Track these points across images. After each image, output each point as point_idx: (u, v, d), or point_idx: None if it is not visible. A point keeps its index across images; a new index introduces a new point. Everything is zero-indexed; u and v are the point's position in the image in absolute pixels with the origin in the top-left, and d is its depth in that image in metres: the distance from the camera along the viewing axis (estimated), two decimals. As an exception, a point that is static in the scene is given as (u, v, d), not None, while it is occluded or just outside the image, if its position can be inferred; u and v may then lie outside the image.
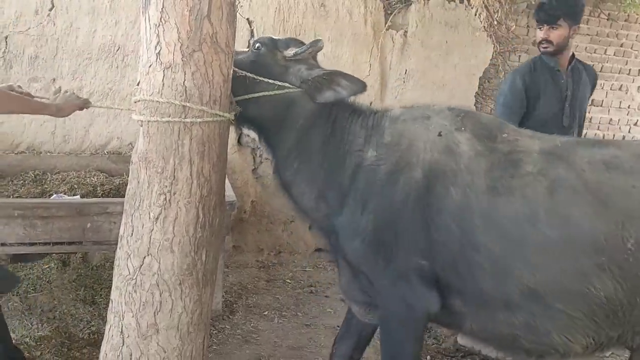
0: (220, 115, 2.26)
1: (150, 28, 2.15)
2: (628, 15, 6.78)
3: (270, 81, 2.49)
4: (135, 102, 2.25)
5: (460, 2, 5.76)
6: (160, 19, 2.11)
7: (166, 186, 2.20)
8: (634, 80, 7.19)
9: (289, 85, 2.51)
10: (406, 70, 5.68)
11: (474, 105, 6.26)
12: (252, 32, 5.01)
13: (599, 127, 7.18)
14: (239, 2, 4.93)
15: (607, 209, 2.16)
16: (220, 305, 4.03)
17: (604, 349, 2.39)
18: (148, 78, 2.19)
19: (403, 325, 2.48)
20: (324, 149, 2.55)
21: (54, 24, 4.60)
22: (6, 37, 4.51)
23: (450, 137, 2.41)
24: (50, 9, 4.57)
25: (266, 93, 2.49)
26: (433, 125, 2.46)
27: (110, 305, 2.38)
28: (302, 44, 2.64)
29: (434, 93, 5.78)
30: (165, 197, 2.21)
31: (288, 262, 5.28)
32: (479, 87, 6.23)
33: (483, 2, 5.44)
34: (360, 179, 2.48)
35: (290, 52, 2.58)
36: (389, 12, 5.58)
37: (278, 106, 2.53)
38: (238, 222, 5.30)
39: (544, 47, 3.67)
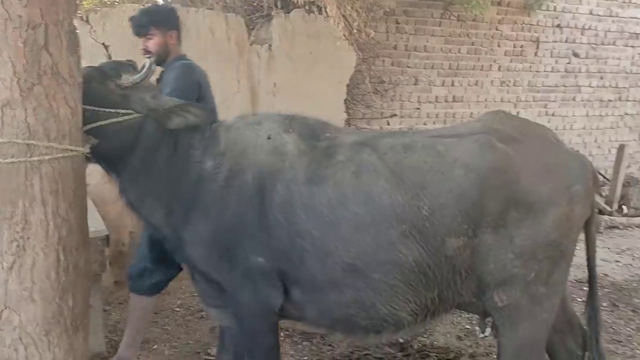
0: (71, 150, 2.14)
1: (-18, 64, 1.99)
2: (475, 16, 7.28)
3: (113, 111, 2.48)
4: (-26, 145, 2.07)
5: (319, 13, 5.88)
6: (-8, 53, 1.96)
7: (17, 232, 2.04)
8: (487, 75, 7.75)
9: (133, 113, 2.53)
10: (274, 83, 5.71)
11: (345, 111, 6.43)
12: (109, 56, 4.79)
13: (462, 121, 7.65)
14: (92, 27, 4.72)
15: (404, 183, 2.45)
16: (104, 346, 3.80)
17: (435, 315, 2.63)
18: (-15, 118, 2.03)
19: (254, 322, 2.68)
20: (169, 166, 2.63)
21: None
22: None
23: (279, 139, 2.62)
24: None
25: (112, 120, 2.47)
26: (263, 130, 2.67)
27: (-31, 369, 2.17)
28: (130, 65, 2.66)
29: (304, 104, 5.75)
30: (18, 244, 2.05)
31: (176, 290, 5.05)
32: (348, 94, 6.40)
33: (340, 12, 5.61)
34: (201, 188, 2.61)
35: (126, 80, 2.55)
36: (251, 27, 5.60)
37: (122, 133, 2.54)
38: (117, 255, 5.04)
39: (147, 57, 3.18)
